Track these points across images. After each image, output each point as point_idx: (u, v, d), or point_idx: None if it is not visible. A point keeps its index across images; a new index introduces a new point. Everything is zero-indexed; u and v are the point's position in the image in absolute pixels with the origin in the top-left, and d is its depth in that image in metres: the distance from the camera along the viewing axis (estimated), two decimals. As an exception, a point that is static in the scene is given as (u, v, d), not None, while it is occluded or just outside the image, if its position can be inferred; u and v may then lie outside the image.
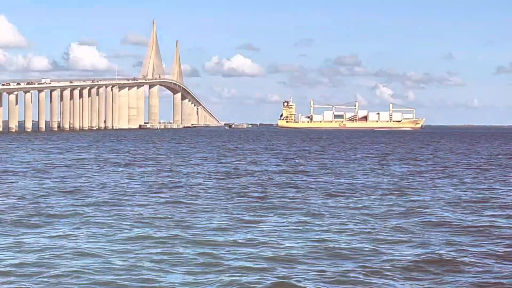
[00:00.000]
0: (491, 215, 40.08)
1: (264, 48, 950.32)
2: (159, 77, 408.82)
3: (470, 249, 29.71)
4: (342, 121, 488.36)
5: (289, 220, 37.27)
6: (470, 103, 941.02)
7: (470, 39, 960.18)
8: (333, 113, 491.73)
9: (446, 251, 29.12)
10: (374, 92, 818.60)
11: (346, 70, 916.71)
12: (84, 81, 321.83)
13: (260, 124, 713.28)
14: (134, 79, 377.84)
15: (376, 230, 34.17)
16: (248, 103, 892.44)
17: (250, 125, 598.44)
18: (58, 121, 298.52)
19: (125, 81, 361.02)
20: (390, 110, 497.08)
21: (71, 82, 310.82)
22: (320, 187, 56.55)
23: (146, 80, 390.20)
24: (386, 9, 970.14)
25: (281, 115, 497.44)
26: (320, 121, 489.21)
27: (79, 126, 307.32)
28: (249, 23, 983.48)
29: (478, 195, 51.07)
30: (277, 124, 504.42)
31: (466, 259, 27.63)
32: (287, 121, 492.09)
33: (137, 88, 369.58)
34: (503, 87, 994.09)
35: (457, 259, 27.54)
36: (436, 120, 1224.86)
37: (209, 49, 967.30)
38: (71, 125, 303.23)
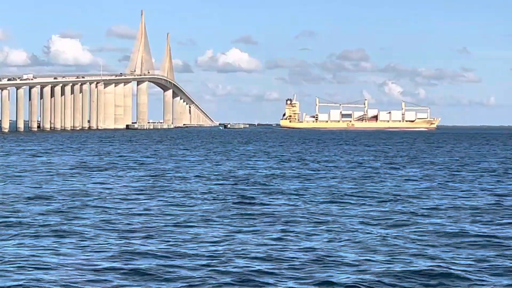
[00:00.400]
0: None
1: (262, 41, 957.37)
2: (148, 72, 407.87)
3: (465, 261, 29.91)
4: (350, 121, 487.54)
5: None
6: (486, 101, 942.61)
7: (486, 32, 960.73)
8: (341, 112, 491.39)
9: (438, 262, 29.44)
10: (382, 89, 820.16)
11: (352, 65, 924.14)
12: (64, 77, 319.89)
13: (258, 124, 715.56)
14: (120, 75, 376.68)
15: (366, 238, 34.66)
16: (245, 101, 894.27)
17: (247, 125, 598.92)
18: (38, 121, 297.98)
19: (111, 77, 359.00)
20: (402, 109, 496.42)
21: (55, 78, 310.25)
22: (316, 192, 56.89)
23: (134, 76, 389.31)
24: (395, 1, 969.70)
25: (284, 114, 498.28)
26: (327, 121, 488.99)
27: (61, 126, 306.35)
28: (246, 14, 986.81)
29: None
30: (276, 124, 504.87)
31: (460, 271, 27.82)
32: (290, 121, 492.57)
33: (124, 85, 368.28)
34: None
35: (451, 271, 27.76)
36: (449, 119, 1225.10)
37: (203, 42, 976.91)
38: (52, 125, 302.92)
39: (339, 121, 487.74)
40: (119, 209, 44.88)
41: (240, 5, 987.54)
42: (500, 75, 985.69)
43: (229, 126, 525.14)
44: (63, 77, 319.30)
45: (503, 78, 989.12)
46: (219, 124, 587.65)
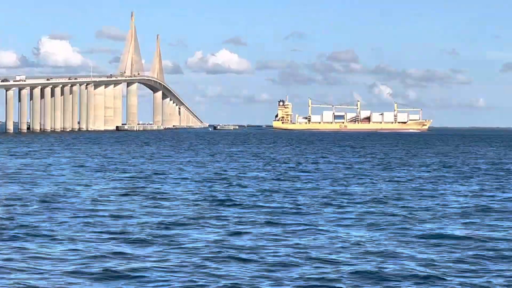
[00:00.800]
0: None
1: (252, 42, 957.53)
2: (138, 74, 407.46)
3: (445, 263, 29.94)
4: (343, 122, 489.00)
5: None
6: (476, 103, 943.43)
7: (476, 33, 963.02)
8: (333, 113, 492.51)
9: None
10: (372, 90, 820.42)
11: (342, 66, 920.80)
12: (51, 78, 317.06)
13: (248, 126, 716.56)
14: (110, 76, 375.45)
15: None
16: (235, 102, 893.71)
17: (237, 127, 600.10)
18: (27, 122, 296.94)
19: (101, 79, 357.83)
20: (395, 110, 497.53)
21: (48, 80, 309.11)
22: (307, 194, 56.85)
23: (123, 77, 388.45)
24: (385, 0, 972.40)
25: (276, 116, 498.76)
26: (319, 122, 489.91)
27: (51, 128, 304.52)
28: (236, 15, 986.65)
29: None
30: (267, 125, 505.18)
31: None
32: (282, 122, 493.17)
33: (114, 86, 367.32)
34: (511, 86, 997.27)
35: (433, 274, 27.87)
36: (439, 121, 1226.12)
37: (192, 43, 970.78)
38: (42, 127, 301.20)
39: (331, 122, 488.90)
40: (97, 211, 44.65)
41: (229, 6, 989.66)
42: (489, 77, 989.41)
43: (218, 127, 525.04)
44: (53, 78, 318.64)
45: (492, 80, 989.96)
46: (209, 126, 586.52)
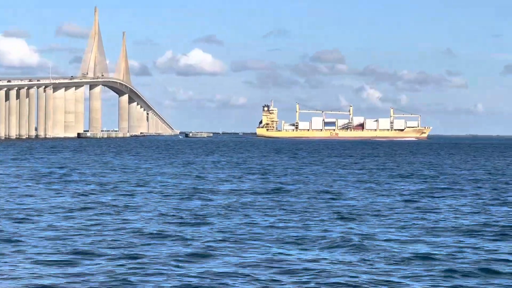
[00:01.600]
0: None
1: (228, 41, 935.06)
2: (102, 75, 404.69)
3: None
4: (334, 130, 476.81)
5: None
6: (473, 109, 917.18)
7: (473, 32, 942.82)
8: (323, 120, 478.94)
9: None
10: (360, 94, 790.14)
11: (327, 68, 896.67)
12: (5, 80, 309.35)
13: (223, 133, 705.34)
14: (71, 78, 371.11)
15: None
16: (209, 107, 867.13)
17: (211, 134, 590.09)
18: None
19: (61, 80, 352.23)
20: (391, 116, 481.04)
21: (8, 81, 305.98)
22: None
23: (86, 79, 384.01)
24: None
25: (260, 122, 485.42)
26: (308, 130, 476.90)
27: (5, 135, 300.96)
28: (210, 11, 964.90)
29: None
30: (244, 133, 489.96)
31: None
32: (267, 129, 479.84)
33: (76, 89, 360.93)
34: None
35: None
36: (434, 128, 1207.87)
37: (162, 42, 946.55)
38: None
39: (321, 129, 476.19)
40: (58, 224, 43.58)
41: (203, 1, 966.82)
42: (489, 80, 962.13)
43: (190, 135, 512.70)
44: (8, 80, 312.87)
45: (492, 83, 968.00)
46: (180, 133, 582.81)
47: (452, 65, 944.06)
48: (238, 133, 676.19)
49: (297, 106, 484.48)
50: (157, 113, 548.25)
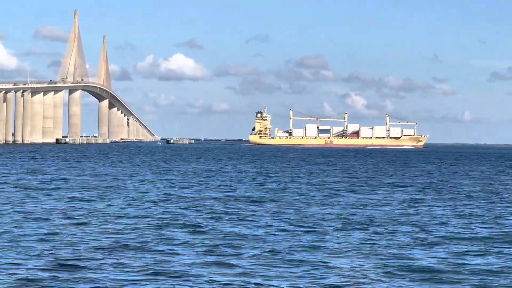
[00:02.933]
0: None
1: (210, 45, 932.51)
2: (82, 80, 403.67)
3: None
4: (329, 137, 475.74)
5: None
6: (460, 116, 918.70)
7: (460, 38, 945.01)
8: (318, 127, 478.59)
9: None
10: (344, 101, 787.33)
11: (310, 74, 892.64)
12: None
13: (205, 140, 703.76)
14: (50, 82, 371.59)
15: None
16: (190, 112, 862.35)
17: (193, 141, 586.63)
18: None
19: (39, 85, 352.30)
20: (386, 124, 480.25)
21: None
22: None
23: (65, 83, 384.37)
24: (359, 0, 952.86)
25: (253, 129, 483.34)
26: (302, 137, 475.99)
27: None
28: (192, 14, 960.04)
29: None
30: (226, 139, 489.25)
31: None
32: (260, 136, 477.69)
33: (54, 94, 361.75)
34: (499, 97, 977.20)
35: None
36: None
37: (143, 46, 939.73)
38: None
39: (316, 137, 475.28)
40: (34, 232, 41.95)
41: (184, 5, 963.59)
42: (475, 87, 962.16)
43: (172, 141, 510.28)
44: None
45: (478, 90, 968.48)
46: (161, 139, 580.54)
47: (439, 72, 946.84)
48: (220, 140, 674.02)
49: (291, 112, 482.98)
50: (138, 119, 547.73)
